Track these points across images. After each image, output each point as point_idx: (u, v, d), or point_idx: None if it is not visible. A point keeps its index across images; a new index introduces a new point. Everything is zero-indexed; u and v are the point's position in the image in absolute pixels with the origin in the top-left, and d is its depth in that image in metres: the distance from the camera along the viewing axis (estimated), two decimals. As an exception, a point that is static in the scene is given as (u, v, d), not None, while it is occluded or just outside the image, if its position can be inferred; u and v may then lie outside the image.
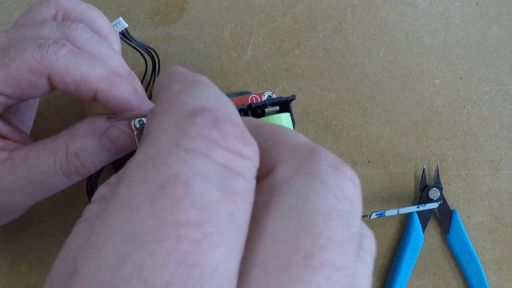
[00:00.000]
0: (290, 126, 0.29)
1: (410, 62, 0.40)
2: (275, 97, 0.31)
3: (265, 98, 0.31)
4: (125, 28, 0.31)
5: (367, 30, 0.40)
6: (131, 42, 0.32)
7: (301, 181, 0.12)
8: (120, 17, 0.31)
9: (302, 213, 0.11)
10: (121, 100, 0.25)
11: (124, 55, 0.29)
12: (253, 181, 0.12)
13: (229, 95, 0.35)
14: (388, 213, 0.36)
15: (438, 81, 0.40)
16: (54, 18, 0.29)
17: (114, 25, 0.31)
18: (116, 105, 0.25)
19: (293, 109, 0.30)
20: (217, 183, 0.11)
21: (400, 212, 0.36)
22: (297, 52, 0.39)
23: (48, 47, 0.24)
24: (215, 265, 0.10)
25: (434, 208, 0.38)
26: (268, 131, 0.14)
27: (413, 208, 0.36)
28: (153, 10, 0.38)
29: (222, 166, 0.11)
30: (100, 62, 0.25)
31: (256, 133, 0.13)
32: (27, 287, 0.36)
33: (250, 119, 0.15)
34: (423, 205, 0.37)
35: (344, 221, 0.12)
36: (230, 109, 0.12)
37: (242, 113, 0.28)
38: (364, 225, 0.15)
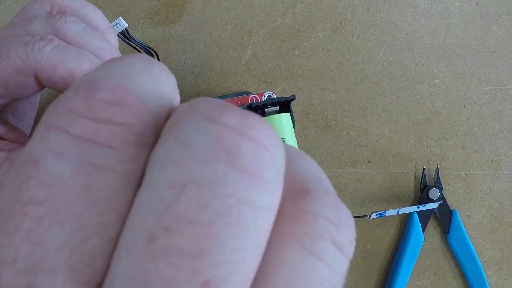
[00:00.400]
0: (290, 126, 0.29)
1: (410, 62, 0.40)
2: (275, 97, 0.31)
3: (265, 98, 0.31)
4: (125, 28, 0.31)
5: (367, 30, 0.40)
6: (131, 42, 0.32)
7: (165, 145, 0.10)
8: (120, 17, 0.31)
9: (155, 185, 0.09)
10: None
11: (124, 55, 0.29)
12: (130, 150, 0.10)
13: (229, 95, 0.35)
14: (388, 213, 0.36)
15: (438, 81, 0.40)
16: (49, 14, 0.28)
17: (114, 25, 0.31)
18: None
19: (293, 109, 0.30)
20: (72, 157, 0.10)
21: (400, 212, 0.36)
22: (297, 52, 0.39)
23: (34, 45, 0.24)
24: (60, 242, 0.09)
25: (434, 208, 0.38)
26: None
27: (413, 208, 0.36)
28: (153, 10, 0.38)
29: (81, 139, 0.10)
30: (88, 56, 0.24)
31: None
32: (27, 287, 0.35)
33: None
34: (423, 205, 0.37)
35: (207, 188, 0.09)
36: (129, 76, 0.11)
37: None
38: (335, 198, 0.12)
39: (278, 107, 0.29)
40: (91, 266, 0.10)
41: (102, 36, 0.28)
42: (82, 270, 0.10)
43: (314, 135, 0.39)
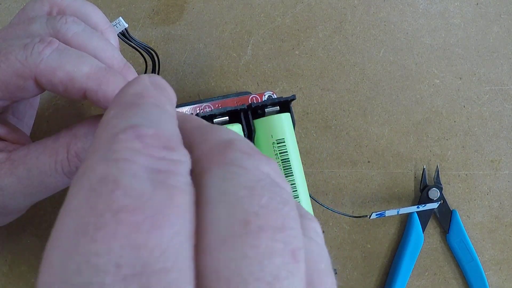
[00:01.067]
0: (291, 126, 0.29)
1: (410, 62, 0.40)
2: (275, 97, 0.31)
3: (265, 98, 0.31)
4: (125, 28, 0.31)
5: (367, 30, 0.40)
6: (131, 42, 0.32)
7: (220, 168, 0.13)
8: (120, 17, 0.31)
9: (227, 193, 0.12)
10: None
11: (124, 55, 0.29)
12: (187, 176, 0.13)
13: (229, 95, 0.35)
14: (388, 213, 0.36)
15: (438, 81, 0.40)
16: (49, 15, 0.28)
17: (114, 25, 0.31)
18: (108, 104, 0.24)
19: (293, 109, 0.30)
20: (147, 178, 0.12)
21: (400, 212, 0.36)
22: (297, 52, 0.39)
23: (33, 48, 0.23)
24: (163, 246, 0.11)
25: (434, 208, 0.38)
26: (194, 126, 0.16)
27: (413, 208, 0.36)
28: (153, 10, 0.38)
29: (148, 168, 0.12)
30: (88, 58, 0.24)
31: (183, 129, 0.15)
32: (27, 287, 0.35)
33: (179, 114, 0.16)
34: (423, 205, 0.37)
35: (268, 189, 0.13)
36: (157, 123, 0.14)
37: (242, 113, 0.28)
38: (306, 211, 0.15)
39: (278, 107, 0.29)
40: (190, 266, 0.11)
41: (103, 37, 0.27)
42: (187, 269, 0.11)
43: (314, 135, 0.39)
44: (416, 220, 0.39)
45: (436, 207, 0.37)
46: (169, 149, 0.13)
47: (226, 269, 0.11)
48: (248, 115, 0.28)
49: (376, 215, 0.35)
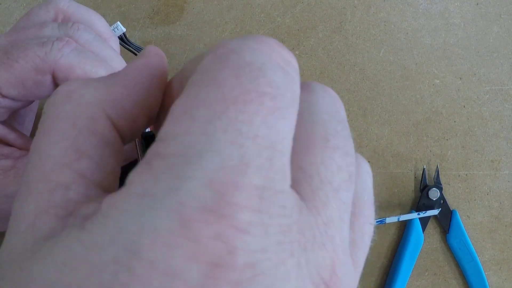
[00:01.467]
0: None
1: (410, 62, 0.40)
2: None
3: None
4: (123, 33, 0.31)
5: (367, 30, 0.40)
6: (129, 46, 0.32)
7: (308, 93, 0.16)
8: (118, 22, 0.31)
9: (314, 112, 0.15)
10: None
11: (123, 58, 0.29)
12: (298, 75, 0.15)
13: None
14: (389, 220, 0.36)
15: (438, 81, 0.40)
16: (53, 20, 0.28)
17: (112, 29, 0.31)
18: None
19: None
20: (282, 70, 0.13)
21: (400, 219, 0.37)
22: (297, 52, 0.39)
23: (52, 45, 0.24)
24: (285, 133, 0.13)
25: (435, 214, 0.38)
26: None
27: (414, 215, 0.37)
28: (153, 10, 0.38)
29: (279, 65, 0.13)
30: (103, 63, 0.25)
31: None
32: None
33: None
34: (424, 212, 0.37)
35: (341, 121, 0.16)
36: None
37: None
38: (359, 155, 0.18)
39: None
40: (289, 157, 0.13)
41: (111, 47, 0.28)
42: (289, 158, 0.13)
43: (314, 135, 0.39)
44: (416, 220, 0.39)
45: (437, 213, 0.37)
46: (289, 53, 0.15)
47: (309, 168, 0.14)
48: None
49: (377, 222, 0.35)
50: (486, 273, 0.39)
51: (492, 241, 0.40)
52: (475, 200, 0.40)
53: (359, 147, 0.39)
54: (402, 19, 0.40)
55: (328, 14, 0.39)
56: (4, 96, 0.25)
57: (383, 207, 0.39)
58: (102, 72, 0.25)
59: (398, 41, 0.40)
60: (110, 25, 0.31)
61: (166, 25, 0.38)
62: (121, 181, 0.31)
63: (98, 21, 0.29)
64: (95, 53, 0.26)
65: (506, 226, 0.40)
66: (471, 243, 0.39)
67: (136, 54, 0.33)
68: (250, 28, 0.39)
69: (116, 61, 0.27)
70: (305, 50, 0.39)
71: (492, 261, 0.40)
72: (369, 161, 0.39)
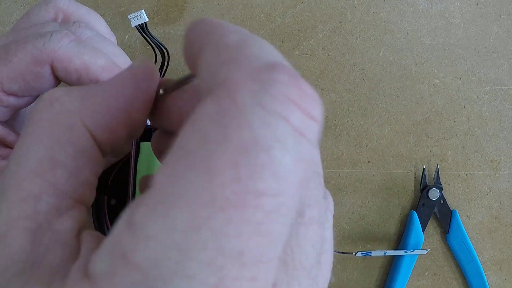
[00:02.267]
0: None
1: (410, 62, 0.40)
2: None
3: None
4: (145, 22, 0.32)
5: (367, 30, 0.40)
6: (148, 36, 0.33)
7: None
8: (142, 10, 0.31)
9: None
10: None
11: (136, 48, 0.29)
12: (316, 145, 0.12)
13: None
14: (374, 253, 0.37)
15: (438, 81, 0.40)
16: (53, 20, 0.28)
17: (134, 17, 0.31)
18: None
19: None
20: (293, 150, 0.10)
21: (386, 254, 0.37)
22: (297, 52, 0.39)
23: (51, 36, 0.24)
24: (280, 235, 0.10)
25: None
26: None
27: (401, 252, 0.37)
28: (153, 10, 0.38)
29: (297, 131, 0.10)
30: (103, 54, 0.25)
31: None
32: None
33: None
34: (411, 250, 0.37)
35: (315, 177, 0.14)
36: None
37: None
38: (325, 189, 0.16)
39: None
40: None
41: (114, 43, 0.28)
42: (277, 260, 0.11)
43: (314, 135, 0.39)
44: (416, 220, 0.39)
45: (425, 252, 0.38)
46: (318, 103, 0.11)
47: (283, 253, 0.12)
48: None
49: (362, 253, 0.36)
50: (486, 273, 0.39)
51: (492, 241, 0.40)
52: (475, 200, 0.40)
53: (359, 147, 0.39)
54: (402, 19, 0.40)
55: (328, 14, 0.39)
56: (6, 93, 0.25)
57: (383, 207, 0.39)
58: (101, 61, 0.24)
59: (398, 41, 0.40)
60: (134, 12, 0.31)
61: (166, 25, 0.38)
62: (100, 186, 0.31)
63: (97, 21, 0.29)
64: (97, 48, 0.26)
65: (506, 226, 0.40)
66: (471, 243, 0.39)
67: (151, 46, 0.33)
68: (250, 28, 0.39)
69: (120, 58, 0.27)
70: (305, 50, 0.39)
71: (492, 261, 0.40)
72: (369, 161, 0.39)
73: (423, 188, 0.39)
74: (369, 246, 0.39)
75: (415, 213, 0.39)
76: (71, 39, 0.24)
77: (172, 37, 0.38)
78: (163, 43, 0.34)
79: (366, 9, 0.40)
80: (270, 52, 0.12)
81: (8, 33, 0.27)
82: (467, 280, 0.39)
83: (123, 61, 0.27)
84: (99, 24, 0.29)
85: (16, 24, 0.28)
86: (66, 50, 0.24)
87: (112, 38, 0.30)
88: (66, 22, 0.27)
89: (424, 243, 0.39)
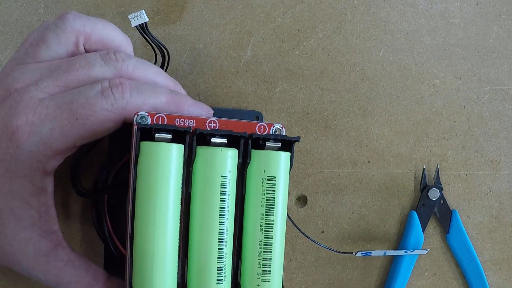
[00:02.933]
0: (287, 166, 0.28)
1: (410, 62, 0.40)
2: (283, 132, 0.30)
3: (273, 129, 0.30)
4: (145, 22, 0.32)
5: (367, 30, 0.40)
6: (148, 36, 0.33)
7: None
8: (143, 10, 0.31)
9: None
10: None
11: (135, 47, 0.31)
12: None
13: (238, 110, 0.36)
14: (374, 253, 0.36)
15: (438, 81, 0.40)
16: (76, 45, 0.28)
17: (135, 17, 0.31)
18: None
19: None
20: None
21: (386, 254, 0.37)
22: (297, 52, 0.39)
23: (114, 94, 0.26)
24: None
25: (435, 209, 0.38)
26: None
27: (401, 252, 0.37)
28: (153, 10, 0.38)
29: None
30: (160, 88, 0.27)
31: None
32: (27, 287, 0.36)
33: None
34: (411, 250, 0.37)
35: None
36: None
37: (242, 139, 0.27)
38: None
39: (280, 144, 0.28)
40: None
41: (151, 63, 0.30)
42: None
43: (314, 135, 0.39)
44: (416, 220, 0.39)
45: (425, 253, 0.37)
46: None
47: None
48: (248, 143, 0.27)
49: (362, 253, 0.36)
50: (486, 273, 0.39)
51: (492, 241, 0.40)
52: (475, 200, 0.40)
53: (359, 147, 0.39)
54: (402, 19, 0.40)
55: (328, 14, 0.39)
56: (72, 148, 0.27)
57: (383, 206, 0.39)
58: (163, 98, 0.27)
59: (398, 41, 0.40)
60: (134, 12, 0.31)
61: (166, 25, 0.38)
62: (100, 186, 0.34)
63: (116, 33, 0.30)
64: (143, 76, 0.28)
65: (506, 226, 0.40)
66: (471, 243, 0.39)
67: (153, 47, 0.33)
68: (250, 28, 0.39)
69: (161, 76, 0.29)
70: (305, 50, 0.39)
71: (492, 261, 0.40)
72: (369, 161, 0.39)
73: (423, 188, 0.39)
74: (369, 246, 0.39)
75: (415, 213, 0.39)
76: (130, 88, 0.26)
77: (172, 37, 0.38)
78: (163, 43, 0.34)
79: (366, 9, 0.40)
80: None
81: (52, 77, 0.27)
82: (467, 280, 0.39)
83: (165, 78, 0.30)
84: (118, 36, 0.30)
85: (35, 53, 0.28)
86: (133, 103, 0.26)
87: (130, 45, 0.31)
88: (106, 53, 0.28)
89: (424, 243, 0.39)
